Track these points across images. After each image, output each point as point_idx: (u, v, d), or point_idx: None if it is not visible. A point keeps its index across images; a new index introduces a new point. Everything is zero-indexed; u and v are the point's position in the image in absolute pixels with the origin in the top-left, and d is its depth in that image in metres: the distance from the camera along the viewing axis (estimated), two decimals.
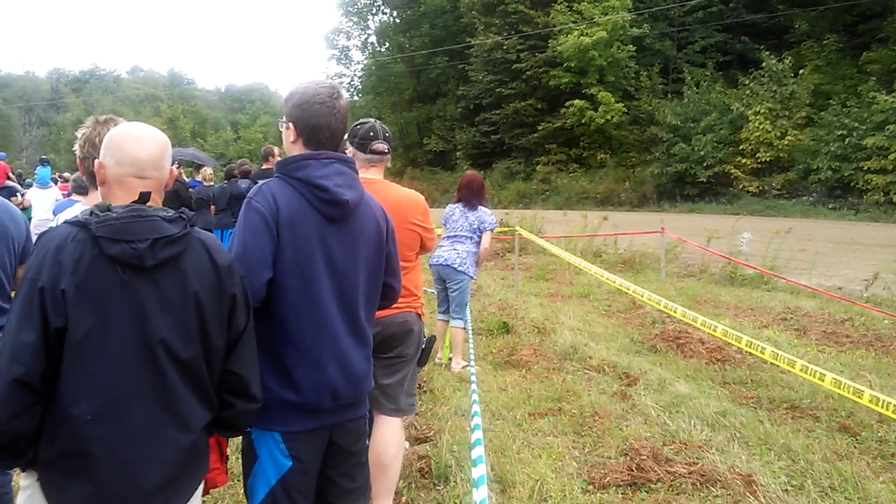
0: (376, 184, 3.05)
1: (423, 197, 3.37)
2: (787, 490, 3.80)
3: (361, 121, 3.24)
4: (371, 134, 3.13)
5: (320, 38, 77.37)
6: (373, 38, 50.16)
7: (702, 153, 27.97)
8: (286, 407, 2.08)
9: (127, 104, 66.79)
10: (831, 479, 3.89)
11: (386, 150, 3.15)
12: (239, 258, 1.98)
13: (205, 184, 11.12)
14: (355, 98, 51.21)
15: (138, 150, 1.79)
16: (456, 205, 6.19)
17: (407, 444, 4.22)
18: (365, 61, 50.21)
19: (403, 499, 3.66)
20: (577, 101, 32.53)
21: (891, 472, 4.04)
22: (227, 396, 1.86)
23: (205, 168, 11.82)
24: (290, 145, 2.19)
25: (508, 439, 4.43)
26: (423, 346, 3.34)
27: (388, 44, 48.14)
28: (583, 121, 32.68)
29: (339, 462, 2.23)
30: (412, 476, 3.90)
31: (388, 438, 3.18)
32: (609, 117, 32.01)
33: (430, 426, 4.64)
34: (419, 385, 5.37)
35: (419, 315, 3.27)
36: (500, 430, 4.59)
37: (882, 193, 23.11)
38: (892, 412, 3.39)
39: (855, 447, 4.39)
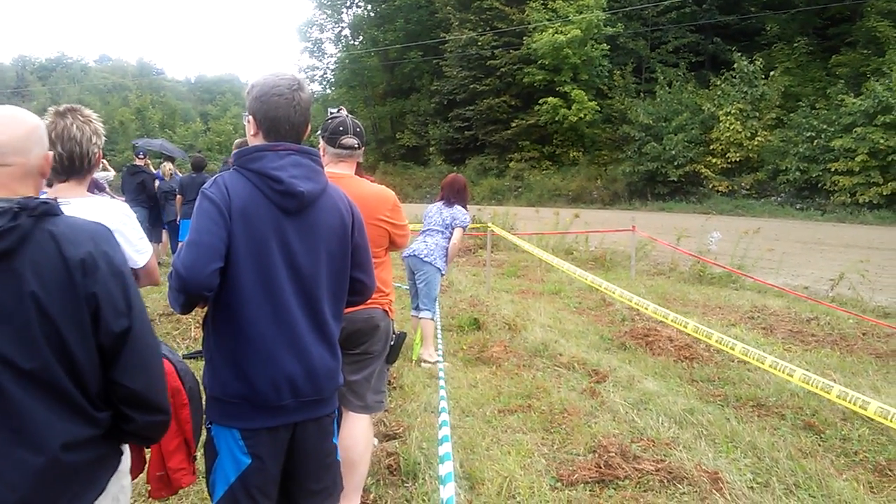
0: (345, 179, 3.01)
1: (392, 193, 3.32)
2: (752, 487, 3.84)
3: (333, 115, 3.20)
4: (341, 129, 3.09)
5: (293, 30, 76.65)
6: (346, 32, 49.83)
7: (673, 152, 28.26)
8: (243, 403, 2.04)
9: (94, 93, 65.61)
10: (796, 476, 3.94)
11: (356, 146, 3.10)
12: (190, 246, 1.95)
13: (165, 179, 11.00)
14: (328, 91, 50.86)
15: None
16: (437, 203, 6.38)
17: (376, 441, 4.19)
18: (338, 54, 49.87)
19: (371, 496, 3.63)
20: (550, 99, 32.66)
21: (853, 469, 4.10)
22: (125, 408, 1.66)
23: (164, 164, 11.65)
24: (252, 138, 2.17)
25: (478, 436, 4.42)
26: (392, 342, 3.30)
27: (361, 37, 47.87)
28: (556, 118, 32.83)
29: (304, 461, 2.19)
30: (381, 473, 3.87)
31: (357, 435, 3.15)
32: (582, 115, 32.19)
33: (400, 423, 4.60)
34: (389, 381, 5.33)
35: (386, 311, 3.23)
36: (469, 427, 4.58)
37: (848, 195, 23.56)
38: (859, 407, 3.44)
39: (819, 445, 4.44)
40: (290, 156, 2.07)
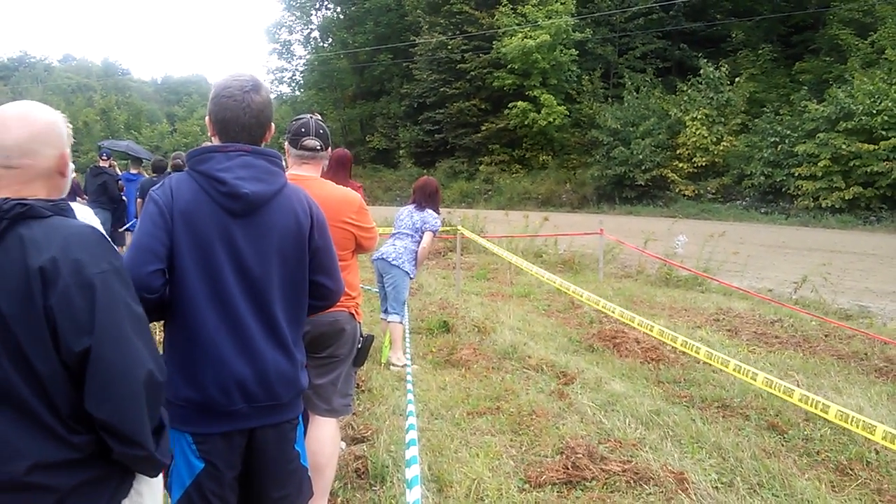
0: (308, 181, 2.98)
1: (358, 195, 3.30)
2: (717, 487, 3.89)
3: (297, 116, 3.19)
4: (302, 130, 3.07)
5: (262, 31, 76.06)
6: (316, 34, 49.63)
7: (640, 157, 28.58)
8: (193, 407, 2.02)
9: (58, 94, 64.39)
10: (759, 476, 3.99)
11: (318, 147, 3.08)
12: (130, 248, 1.94)
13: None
14: (297, 93, 50.56)
15: (2, 134, 1.58)
16: (409, 206, 6.37)
17: (343, 445, 4.17)
18: (307, 56, 49.60)
19: (339, 499, 3.60)
20: (520, 103, 32.83)
21: (816, 469, 4.17)
22: (104, 435, 1.52)
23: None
24: (212, 139, 2.15)
25: (446, 438, 4.41)
26: (359, 345, 3.28)
27: (331, 39, 47.67)
28: (526, 122, 33.01)
29: (263, 468, 2.16)
30: (348, 476, 3.85)
31: (323, 439, 3.12)
32: (551, 119, 32.41)
33: (368, 426, 4.58)
34: (357, 384, 5.30)
35: (352, 314, 3.21)
36: (438, 430, 4.57)
37: (811, 199, 24.02)
38: (821, 410, 3.50)
39: (782, 445, 4.51)
40: (240, 157, 2.05)
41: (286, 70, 50.86)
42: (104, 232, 1.69)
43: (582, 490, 3.79)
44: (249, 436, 2.10)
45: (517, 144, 35.32)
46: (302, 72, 50.50)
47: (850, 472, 4.13)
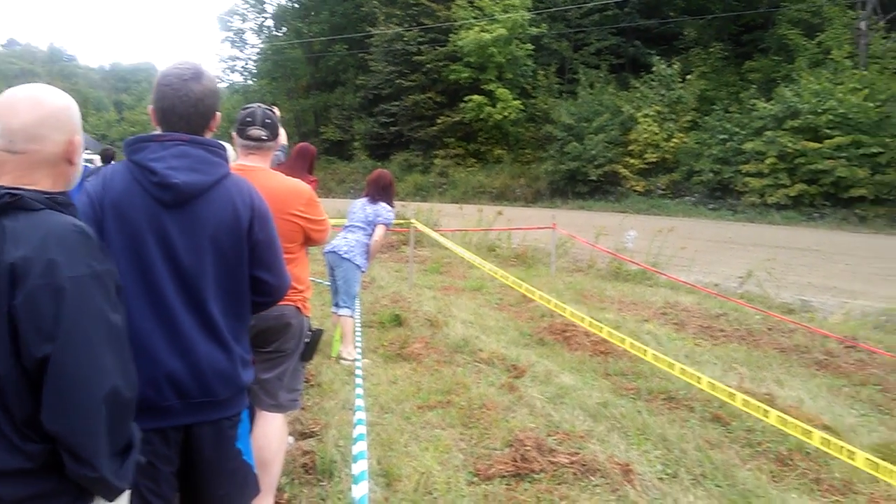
0: (255, 171, 2.92)
1: (308, 187, 3.24)
2: (662, 478, 3.95)
3: (245, 105, 3.13)
4: (248, 119, 3.02)
5: (214, 18, 74.58)
6: (269, 22, 48.93)
7: (593, 152, 28.93)
8: None
9: (1, 80, 62.27)
10: (703, 467, 4.08)
11: (263, 137, 3.02)
12: None
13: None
14: (249, 82, 49.78)
15: (9, 117, 1.51)
16: (362, 198, 6.29)
17: (291, 440, 4.12)
18: (261, 45, 48.87)
19: (286, 495, 3.56)
20: (475, 97, 32.90)
21: (757, 459, 4.27)
22: (60, 449, 1.42)
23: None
24: (156, 128, 2.10)
25: (396, 433, 4.39)
26: (307, 340, 3.24)
27: (285, 28, 47.04)
28: (481, 116, 33.10)
29: (200, 466, 2.10)
30: (295, 472, 3.80)
31: (270, 435, 3.07)
32: (506, 114, 32.56)
33: (317, 420, 4.54)
34: (307, 379, 5.25)
35: (299, 308, 3.16)
36: (388, 424, 4.55)
37: (758, 196, 24.63)
38: (762, 415, 3.58)
39: (725, 436, 4.61)
40: (176, 146, 2.00)
41: (239, 59, 50.10)
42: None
43: (530, 482, 3.81)
44: (186, 432, 2.05)
45: (472, 138, 35.40)
46: (255, 61, 49.75)
47: (790, 462, 4.24)
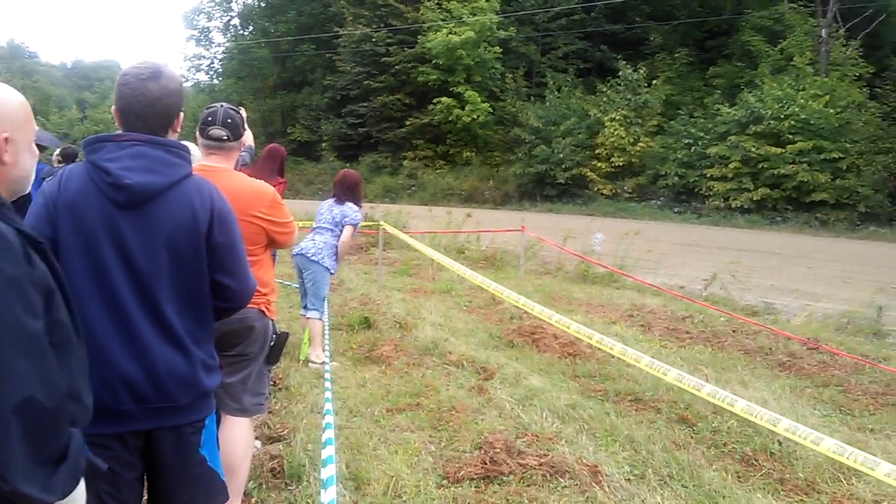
0: (217, 172, 2.87)
1: (272, 189, 3.18)
2: (629, 479, 3.98)
3: (209, 105, 3.08)
4: (209, 119, 2.97)
5: (179, 16, 73.63)
6: (236, 21, 48.35)
7: (561, 156, 29.14)
8: None
9: None
10: (670, 467, 4.12)
11: (224, 137, 2.97)
12: None
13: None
14: (215, 81, 49.21)
15: None
16: (329, 200, 6.23)
17: (259, 444, 4.07)
18: (227, 44, 48.30)
19: (253, 500, 3.51)
20: (444, 99, 32.93)
21: (723, 460, 4.33)
22: None
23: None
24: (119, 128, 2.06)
25: (365, 436, 4.37)
26: (272, 343, 3.19)
27: (252, 27, 46.59)
28: (450, 118, 33.15)
29: (162, 472, 2.06)
30: (263, 476, 3.76)
31: (235, 439, 3.03)
32: (475, 116, 32.65)
33: (285, 424, 4.49)
34: (274, 382, 5.19)
35: (263, 311, 3.11)
36: (357, 427, 4.51)
37: (722, 199, 25.03)
38: (727, 404, 3.62)
39: (692, 437, 4.67)
40: (134, 146, 1.96)
41: (204, 57, 49.42)
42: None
43: (499, 484, 3.81)
44: (148, 437, 2.01)
45: (441, 140, 35.43)
46: (221, 60, 49.16)
47: (755, 462, 4.30)
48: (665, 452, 4.32)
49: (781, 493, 3.96)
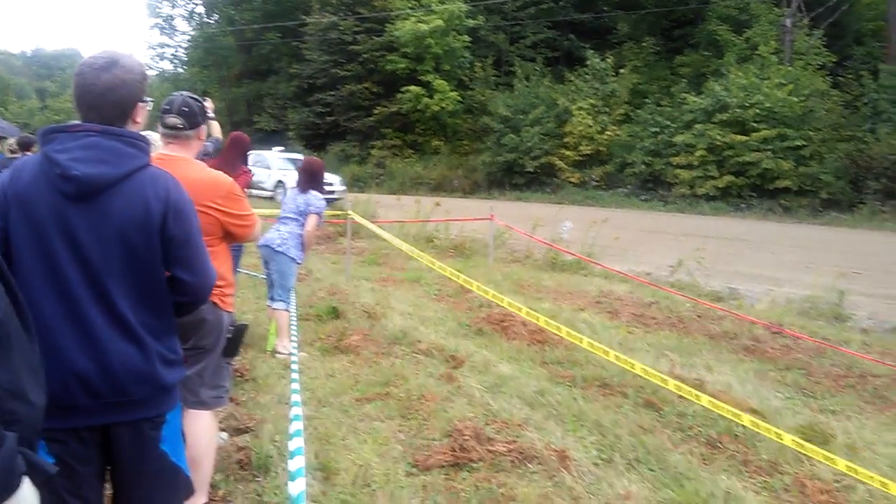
0: (174, 161, 2.81)
1: (230, 180, 3.09)
2: (597, 464, 4.03)
3: (171, 94, 3.03)
4: (166, 107, 2.93)
5: (142, 3, 72.23)
6: (200, 9, 47.53)
7: (529, 144, 29.22)
8: None
9: None
10: (637, 451, 4.17)
11: (179, 125, 2.92)
12: None
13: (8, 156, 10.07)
14: (180, 70, 48.41)
15: None
16: (293, 188, 6.15)
17: (225, 436, 4.03)
18: (192, 32, 47.49)
19: (221, 492, 3.48)
20: (413, 88, 32.79)
21: (688, 443, 4.40)
22: None
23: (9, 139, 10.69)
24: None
25: (334, 426, 4.35)
26: (230, 335, 3.14)
27: (216, 15, 45.85)
28: (418, 107, 33.02)
29: (123, 467, 2.03)
30: (230, 468, 3.72)
31: (197, 432, 2.99)
32: (444, 105, 32.56)
33: (252, 416, 4.45)
34: (241, 374, 5.15)
35: (216, 304, 3.05)
36: (325, 418, 4.49)
37: (688, 187, 25.32)
38: (694, 398, 3.68)
39: (658, 421, 4.73)
40: (87, 137, 1.92)
41: (168, 46, 48.54)
42: None
43: (468, 471, 3.83)
44: (105, 433, 1.98)
45: (410, 129, 35.30)
46: (185, 48, 48.33)
47: (720, 445, 4.38)
48: (632, 437, 4.38)
49: (745, 474, 4.03)
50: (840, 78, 25.84)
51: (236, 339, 3.14)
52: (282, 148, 24.80)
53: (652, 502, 3.62)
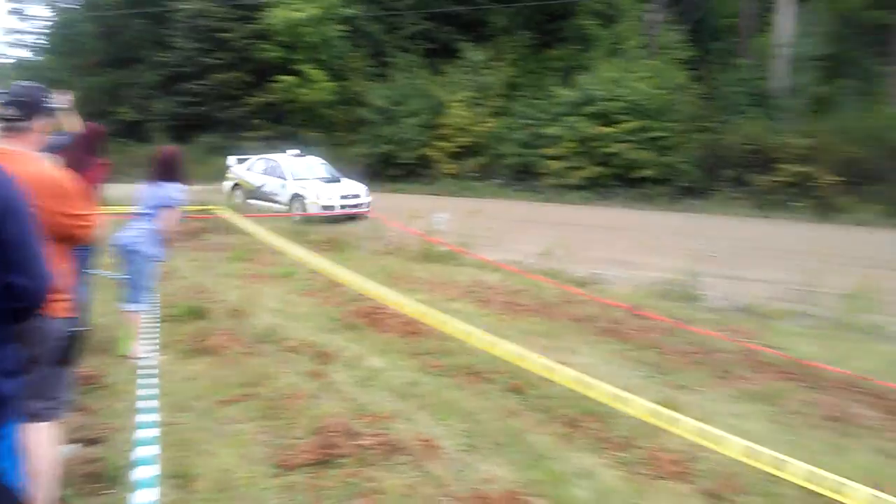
0: (11, 156, 2.61)
1: (69, 176, 2.88)
2: (465, 450, 4.11)
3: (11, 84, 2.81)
4: (1, 99, 2.70)
5: None
6: None
7: (406, 136, 29.25)
8: None
9: None
10: (502, 435, 4.28)
11: (13, 117, 2.71)
12: None
13: None
14: (39, 58, 45.04)
15: None
16: (149, 182, 5.79)
17: (74, 448, 3.78)
18: (52, 17, 44.20)
19: None
20: (287, 77, 32.00)
21: (551, 424, 4.56)
22: None
23: None
24: None
25: (193, 431, 4.18)
26: (64, 343, 2.93)
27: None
28: (292, 97, 32.29)
29: None
30: (79, 481, 3.50)
31: (37, 447, 2.79)
32: (320, 96, 32.01)
33: (105, 425, 4.20)
34: (93, 381, 4.84)
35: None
36: (184, 423, 4.30)
37: (558, 177, 26.16)
38: (556, 378, 3.80)
39: (523, 404, 4.88)
40: None
41: (23, 32, 44.98)
42: None
43: (335, 468, 3.80)
44: None
45: (283, 120, 34.45)
46: (42, 35, 44.94)
47: (580, 424, 4.57)
48: (498, 421, 4.49)
49: (603, 450, 4.23)
50: (700, 71, 27.46)
51: (72, 347, 2.94)
52: (297, 151, 19.85)
53: (514, 484, 3.72)
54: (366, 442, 4.06)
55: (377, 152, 29.91)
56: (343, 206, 15.83)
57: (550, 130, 26.23)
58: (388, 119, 29.89)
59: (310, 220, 14.60)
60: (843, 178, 19.91)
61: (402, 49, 34.05)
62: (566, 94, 26.57)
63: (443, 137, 29.62)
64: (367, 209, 16.23)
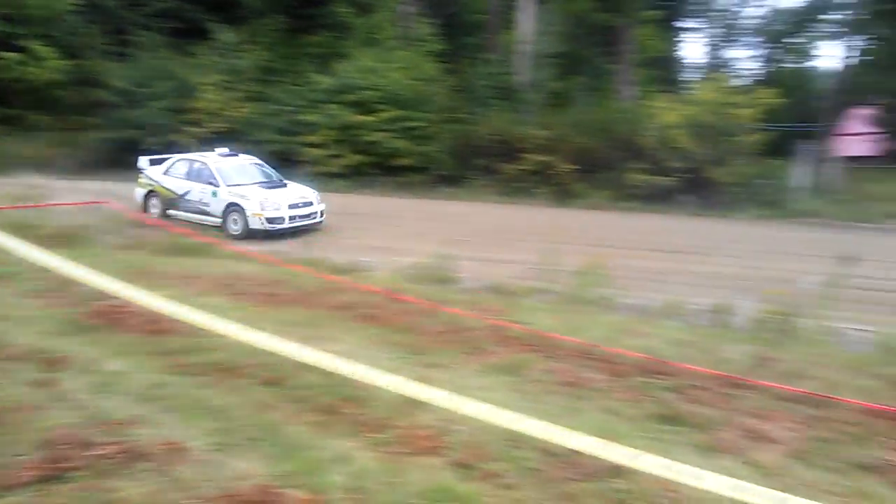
0: None
1: None
2: (215, 449, 3.94)
3: None
4: None
5: None
6: None
7: (152, 121, 27.29)
8: None
9: None
10: (256, 430, 4.17)
11: None
12: None
13: None
14: None
15: None
16: None
17: None
18: None
19: None
20: (10, 54, 28.25)
21: (307, 414, 4.53)
22: None
23: None
24: None
25: None
26: None
27: None
28: (17, 77, 28.60)
29: None
30: None
31: None
32: (50, 75, 28.70)
33: None
34: None
35: None
36: None
37: (319, 165, 25.99)
38: (310, 364, 3.77)
39: (279, 396, 4.79)
40: None
41: None
42: None
43: (66, 482, 3.47)
44: None
45: (6, 101, 30.43)
46: None
47: (336, 411, 4.60)
48: (251, 416, 4.37)
49: (359, 434, 4.29)
50: (453, 65, 28.73)
51: None
52: (226, 150, 15.84)
53: (267, 477, 3.65)
54: (102, 451, 3.74)
55: (120, 137, 27.57)
56: (292, 218, 13.00)
57: (309, 118, 25.98)
58: (131, 102, 27.65)
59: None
60: (577, 167, 22.05)
61: (147, 27, 31.66)
62: (324, 81, 26.45)
63: (194, 122, 28.05)
64: (320, 219, 13.83)
